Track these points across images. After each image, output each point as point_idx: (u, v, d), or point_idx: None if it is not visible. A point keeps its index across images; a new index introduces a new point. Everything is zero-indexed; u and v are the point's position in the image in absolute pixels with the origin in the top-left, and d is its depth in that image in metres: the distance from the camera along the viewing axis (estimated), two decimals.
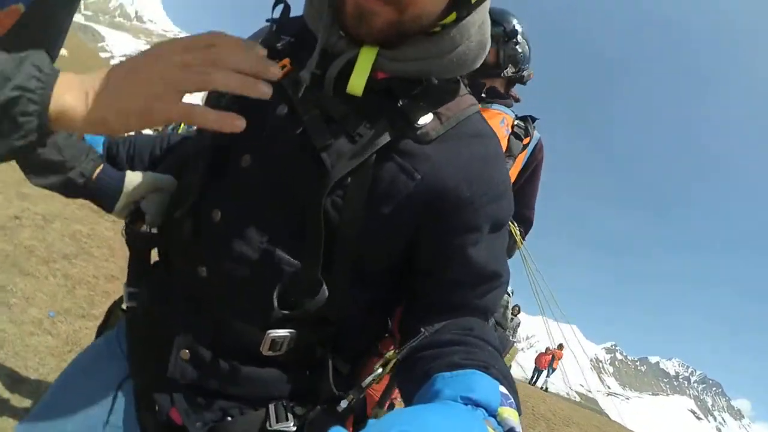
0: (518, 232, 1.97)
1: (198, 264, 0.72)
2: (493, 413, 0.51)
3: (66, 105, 0.52)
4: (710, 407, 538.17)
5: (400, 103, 0.69)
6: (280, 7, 0.79)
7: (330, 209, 0.67)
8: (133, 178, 0.84)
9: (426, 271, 0.75)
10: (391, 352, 0.70)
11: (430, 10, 0.65)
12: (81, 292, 3.31)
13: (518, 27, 1.94)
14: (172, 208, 0.81)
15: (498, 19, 1.88)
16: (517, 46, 1.92)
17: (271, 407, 0.74)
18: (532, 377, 15.83)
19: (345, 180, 0.67)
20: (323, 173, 0.66)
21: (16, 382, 2.21)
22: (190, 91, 0.52)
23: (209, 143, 0.75)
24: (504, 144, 1.81)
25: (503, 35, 1.91)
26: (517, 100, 1.97)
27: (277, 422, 0.73)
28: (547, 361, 15.70)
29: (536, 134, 1.97)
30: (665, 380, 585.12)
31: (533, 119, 1.95)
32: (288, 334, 0.70)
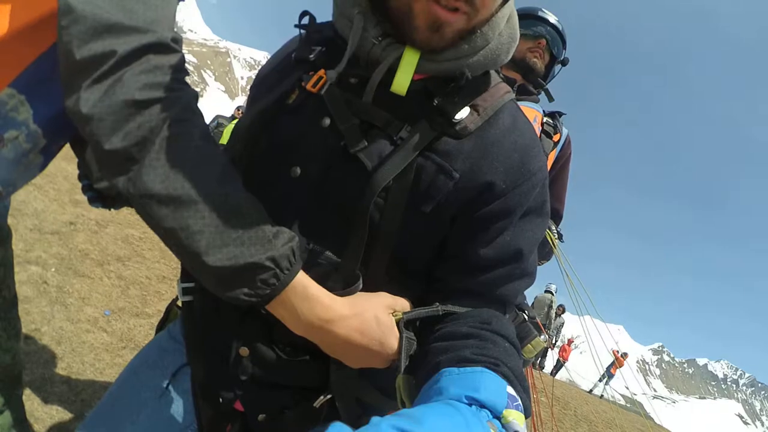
0: (554, 238, 1.94)
1: None
2: (498, 415, 0.51)
3: (306, 291, 0.65)
4: (758, 411, 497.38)
5: (436, 101, 0.71)
6: (306, 18, 0.81)
7: (373, 210, 0.70)
8: None
9: (449, 256, 0.76)
10: (398, 313, 0.72)
11: (492, 12, 0.67)
12: (134, 292, 3.43)
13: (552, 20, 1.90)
14: None
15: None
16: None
17: (324, 398, 0.77)
18: (553, 369, 14.75)
19: (388, 182, 0.69)
20: (368, 179, 0.69)
21: (73, 375, 2.33)
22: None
23: (257, 158, 0.78)
24: None
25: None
26: (551, 100, 1.97)
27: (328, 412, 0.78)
28: (569, 353, 14.96)
29: (564, 130, 1.98)
30: (713, 383, 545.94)
31: (560, 114, 1.97)
32: None
